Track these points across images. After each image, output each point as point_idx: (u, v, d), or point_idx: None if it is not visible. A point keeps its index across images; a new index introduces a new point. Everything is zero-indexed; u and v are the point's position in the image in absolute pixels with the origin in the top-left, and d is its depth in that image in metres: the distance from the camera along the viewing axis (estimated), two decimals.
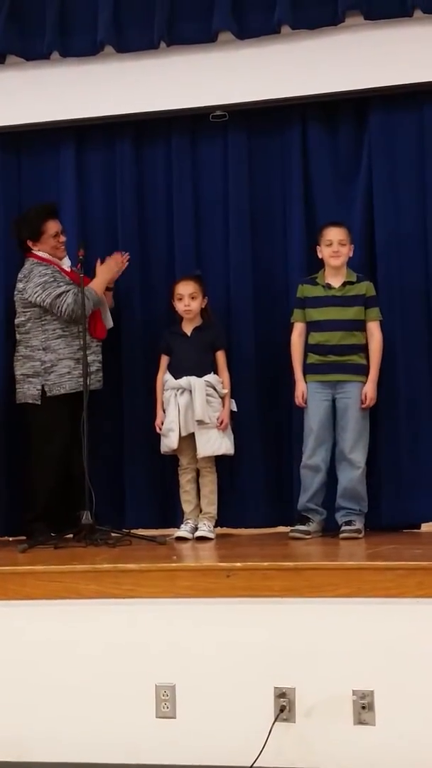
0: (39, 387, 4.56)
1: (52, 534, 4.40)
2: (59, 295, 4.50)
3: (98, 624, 3.45)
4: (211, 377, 4.50)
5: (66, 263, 4.72)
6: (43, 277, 4.55)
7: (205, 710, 3.32)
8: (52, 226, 4.67)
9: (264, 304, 4.83)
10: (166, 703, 3.35)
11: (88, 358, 4.46)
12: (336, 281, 4.42)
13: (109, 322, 4.75)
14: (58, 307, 4.50)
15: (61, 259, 4.71)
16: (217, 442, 4.44)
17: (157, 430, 4.52)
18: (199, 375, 4.47)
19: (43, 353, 4.57)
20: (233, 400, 4.56)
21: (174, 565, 3.58)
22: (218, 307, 4.72)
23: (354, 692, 3.20)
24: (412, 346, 4.61)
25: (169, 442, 4.46)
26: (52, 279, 4.55)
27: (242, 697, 3.29)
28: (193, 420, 4.41)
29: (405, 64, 4.55)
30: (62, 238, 4.70)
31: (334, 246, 4.37)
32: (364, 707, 3.19)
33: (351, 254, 4.44)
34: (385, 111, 4.69)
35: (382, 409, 4.54)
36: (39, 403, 4.56)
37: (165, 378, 4.55)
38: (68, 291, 4.51)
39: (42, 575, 3.54)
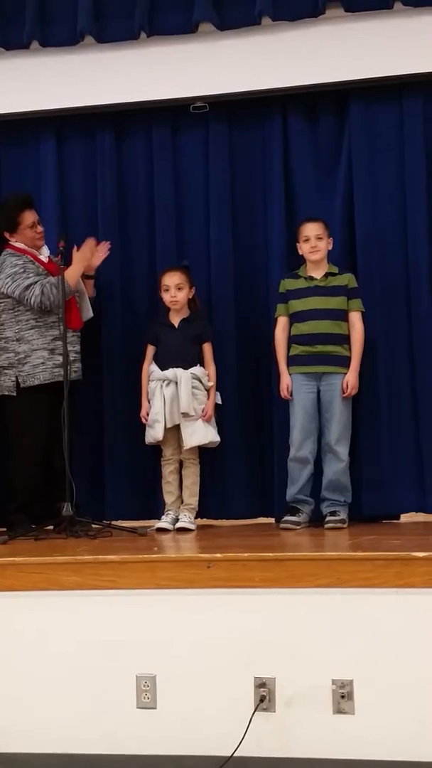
0: (14, 378, 4.53)
1: (33, 525, 4.39)
2: (27, 287, 4.46)
3: (79, 615, 3.45)
4: (197, 369, 4.50)
5: (45, 252, 4.70)
6: (13, 268, 4.52)
7: (185, 700, 3.33)
8: (29, 217, 4.64)
9: (245, 295, 4.84)
10: (146, 693, 3.35)
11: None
12: (318, 273, 4.46)
13: (89, 313, 4.72)
14: (27, 299, 4.47)
15: (39, 248, 4.69)
16: (202, 433, 4.44)
17: (143, 420, 4.52)
18: (186, 367, 4.47)
19: (17, 344, 4.54)
20: (218, 393, 4.57)
21: (155, 556, 3.58)
22: (200, 298, 4.71)
23: (333, 681, 3.22)
24: (393, 339, 4.63)
25: (155, 433, 4.47)
26: (21, 270, 4.51)
27: (222, 687, 3.30)
28: (178, 412, 4.42)
29: (385, 56, 4.56)
30: (39, 228, 4.67)
31: (312, 241, 4.41)
32: (343, 696, 3.21)
33: (330, 247, 4.47)
34: (365, 103, 4.70)
35: (363, 401, 4.56)
36: (14, 394, 4.54)
37: (151, 369, 4.55)
38: (36, 282, 4.47)
39: (22, 566, 3.53)
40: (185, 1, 4.69)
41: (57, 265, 4.51)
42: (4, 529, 4.47)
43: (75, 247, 4.61)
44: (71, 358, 4.53)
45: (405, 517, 4.60)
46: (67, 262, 4.51)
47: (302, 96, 4.75)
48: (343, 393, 4.33)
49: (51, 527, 4.32)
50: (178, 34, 4.74)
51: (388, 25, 4.57)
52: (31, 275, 4.50)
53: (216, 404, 4.54)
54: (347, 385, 4.34)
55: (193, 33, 4.73)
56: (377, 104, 4.70)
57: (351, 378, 4.35)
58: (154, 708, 3.35)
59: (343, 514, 4.31)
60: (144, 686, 3.36)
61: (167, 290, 4.54)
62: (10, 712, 3.45)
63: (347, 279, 4.45)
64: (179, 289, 4.52)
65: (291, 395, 4.42)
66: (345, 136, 4.74)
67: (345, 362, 4.39)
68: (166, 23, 4.73)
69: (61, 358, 4.43)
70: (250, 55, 4.69)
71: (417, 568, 3.26)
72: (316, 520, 4.36)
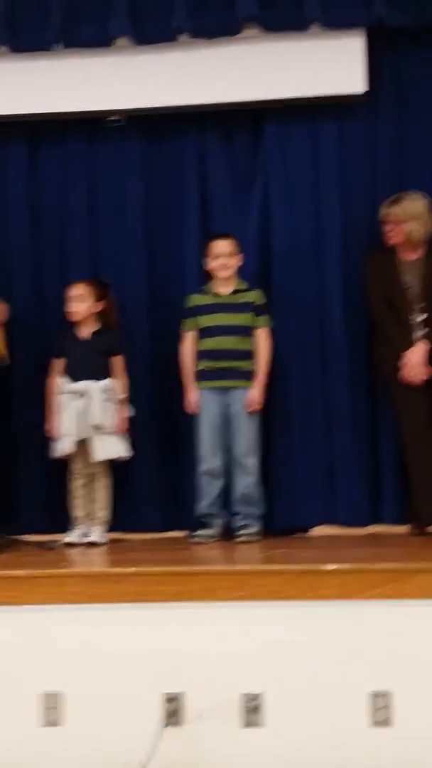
0: None
1: None
2: None
3: None
4: (107, 382, 4.47)
5: None
6: None
7: (93, 717, 3.26)
8: None
9: (159, 310, 4.83)
10: (53, 711, 3.28)
11: None
12: (226, 290, 4.48)
13: None
14: None
15: None
16: (113, 446, 4.41)
17: (51, 434, 4.46)
18: (96, 379, 4.44)
19: None
20: (130, 405, 4.53)
21: (63, 571, 3.53)
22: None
23: (243, 695, 3.21)
24: (306, 354, 4.68)
25: (63, 447, 4.41)
26: None
27: (131, 702, 3.25)
28: (88, 424, 4.37)
29: (300, 78, 4.62)
30: None
31: (222, 259, 4.43)
32: (252, 710, 3.19)
33: (240, 263, 4.49)
34: (280, 122, 4.75)
35: (275, 416, 4.59)
36: None
37: (60, 381, 4.49)
38: None
39: None
40: (102, 14, 4.67)
41: None
42: None
43: None
44: None
45: (316, 531, 4.63)
46: None
47: (219, 113, 4.79)
48: (247, 408, 4.35)
49: None
50: (95, 47, 4.72)
51: (304, 46, 4.63)
52: None
53: (127, 417, 4.50)
54: (251, 401, 4.36)
55: (109, 46, 4.72)
56: (292, 124, 4.75)
57: (255, 393, 4.37)
58: (61, 726, 3.27)
59: (254, 527, 4.32)
60: (50, 704, 3.28)
61: (69, 302, 4.51)
62: None
63: (254, 296, 4.48)
64: (80, 301, 4.50)
65: (198, 410, 4.42)
66: (261, 154, 4.79)
67: (251, 376, 4.41)
68: (81, 35, 4.70)
69: None
70: (166, 71, 4.71)
71: (327, 580, 3.28)
72: (228, 534, 4.35)
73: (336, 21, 4.57)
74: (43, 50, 4.72)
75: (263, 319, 4.47)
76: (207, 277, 4.56)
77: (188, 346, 4.50)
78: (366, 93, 4.64)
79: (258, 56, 4.68)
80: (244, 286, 4.50)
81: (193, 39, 4.67)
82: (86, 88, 4.74)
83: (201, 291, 4.53)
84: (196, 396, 4.43)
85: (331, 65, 4.63)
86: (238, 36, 4.66)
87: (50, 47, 4.68)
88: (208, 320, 4.45)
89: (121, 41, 4.71)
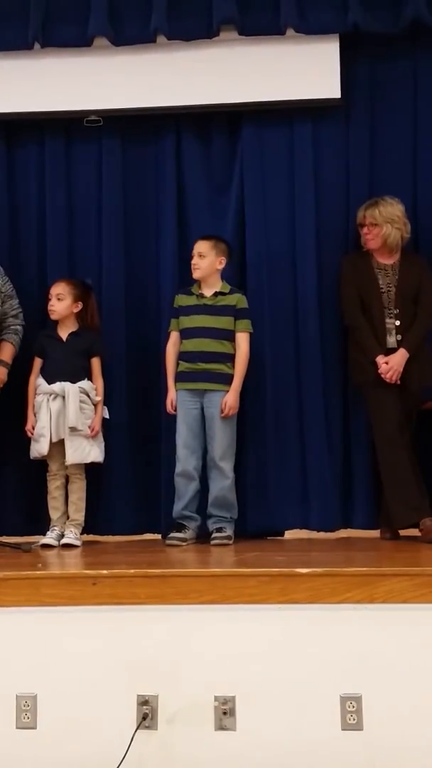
0: None
1: None
2: None
3: None
4: (84, 383, 4.48)
5: None
6: None
7: (66, 720, 3.28)
8: None
9: (136, 311, 4.84)
10: (26, 713, 3.29)
11: None
12: (208, 291, 4.49)
13: None
14: None
15: None
16: (86, 450, 4.42)
17: (28, 434, 4.46)
18: (73, 381, 4.45)
19: None
20: (105, 408, 4.54)
21: (38, 572, 3.52)
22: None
23: (216, 698, 3.23)
24: (280, 358, 4.70)
25: (40, 448, 4.42)
26: None
27: (105, 705, 3.27)
28: (64, 426, 4.38)
29: (276, 81, 4.65)
30: None
31: (194, 259, 4.45)
32: (225, 713, 3.22)
33: (220, 266, 4.50)
34: (257, 125, 4.78)
35: (250, 419, 4.62)
36: None
37: (38, 382, 4.50)
38: None
39: None
40: (80, 14, 4.68)
41: None
42: None
43: None
44: None
45: (289, 534, 4.67)
46: None
47: (196, 115, 4.80)
48: (222, 412, 4.37)
49: None
50: (73, 47, 4.71)
51: (279, 50, 4.65)
52: None
53: (103, 419, 4.51)
54: (225, 405, 4.37)
55: (88, 47, 4.71)
56: (268, 127, 4.78)
57: (230, 398, 4.38)
58: (34, 728, 3.28)
59: (228, 531, 4.34)
60: (24, 706, 3.30)
61: (49, 299, 4.52)
62: None
63: (236, 299, 4.49)
64: (59, 299, 4.51)
65: (176, 410, 4.44)
66: (237, 156, 4.81)
67: (228, 380, 4.42)
68: (60, 35, 4.71)
69: None
70: (144, 72, 4.72)
71: (300, 584, 3.30)
72: (203, 537, 4.37)
73: (312, 26, 4.61)
74: (21, 50, 4.71)
75: (243, 323, 4.48)
76: (189, 277, 4.57)
77: (171, 345, 4.51)
78: (342, 98, 4.67)
79: (236, 59, 4.70)
80: (226, 289, 4.50)
81: (171, 41, 4.68)
82: (64, 88, 4.75)
83: (187, 291, 4.54)
84: (174, 396, 4.44)
85: (307, 70, 4.66)
86: (216, 39, 4.68)
87: (28, 47, 4.68)
88: (189, 321, 4.47)
89: (100, 42, 4.71)
